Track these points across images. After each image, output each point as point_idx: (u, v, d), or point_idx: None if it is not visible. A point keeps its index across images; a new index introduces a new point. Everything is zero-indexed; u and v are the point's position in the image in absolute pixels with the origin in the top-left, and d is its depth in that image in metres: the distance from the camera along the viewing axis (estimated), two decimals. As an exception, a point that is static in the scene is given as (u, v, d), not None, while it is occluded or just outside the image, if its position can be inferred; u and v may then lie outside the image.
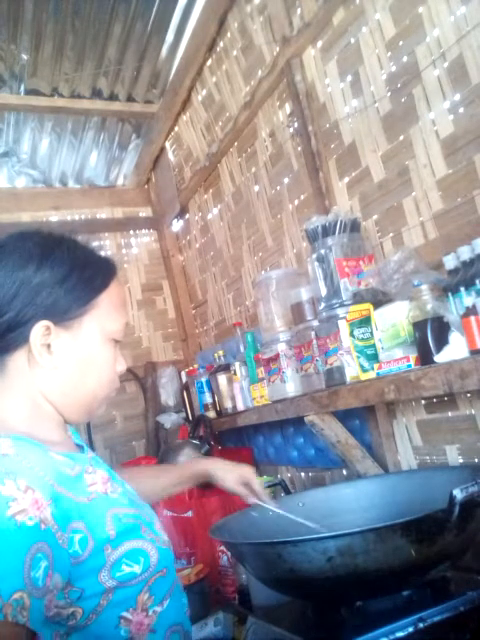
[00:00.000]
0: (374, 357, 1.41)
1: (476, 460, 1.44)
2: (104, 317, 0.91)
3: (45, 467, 0.79)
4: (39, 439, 0.84)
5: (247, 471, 1.33)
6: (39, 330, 0.85)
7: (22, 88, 2.56)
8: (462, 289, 1.18)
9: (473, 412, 1.43)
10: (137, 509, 0.91)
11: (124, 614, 0.82)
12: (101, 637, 0.81)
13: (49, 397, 0.89)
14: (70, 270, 0.89)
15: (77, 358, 0.89)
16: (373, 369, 1.37)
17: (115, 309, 0.94)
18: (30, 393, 0.88)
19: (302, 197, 2.04)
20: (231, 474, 1.32)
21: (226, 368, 2.21)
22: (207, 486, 1.44)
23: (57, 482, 0.78)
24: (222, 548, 1.80)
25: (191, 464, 1.39)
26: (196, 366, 2.51)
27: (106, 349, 0.92)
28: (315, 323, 1.62)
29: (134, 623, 0.83)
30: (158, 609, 0.86)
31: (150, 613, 0.85)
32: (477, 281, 1.16)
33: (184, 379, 2.68)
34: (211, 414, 2.31)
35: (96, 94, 2.70)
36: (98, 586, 0.79)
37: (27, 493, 0.72)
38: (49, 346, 0.87)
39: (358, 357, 1.42)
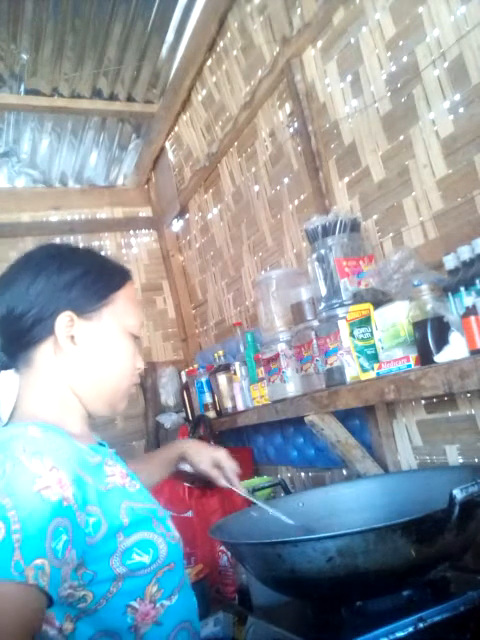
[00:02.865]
0: (374, 357, 1.41)
1: (476, 460, 1.44)
2: (121, 312, 1.00)
3: (69, 452, 0.84)
4: (64, 430, 0.90)
5: (220, 454, 1.33)
6: (63, 320, 0.93)
7: (22, 88, 2.56)
8: (462, 289, 1.18)
9: (473, 412, 1.43)
10: (153, 504, 0.97)
11: (131, 603, 0.86)
12: (108, 622, 0.84)
13: (75, 389, 0.96)
14: (89, 269, 0.98)
15: (99, 348, 0.97)
16: (373, 369, 1.37)
17: (131, 307, 1.02)
18: (57, 386, 0.95)
19: (302, 197, 2.04)
20: (204, 456, 1.33)
21: (226, 368, 2.21)
22: (182, 477, 1.44)
23: (79, 466, 0.84)
24: (222, 548, 1.80)
25: (169, 449, 1.40)
26: (196, 366, 2.51)
27: (125, 341, 1.00)
28: (315, 323, 1.62)
29: (140, 612, 0.86)
30: (166, 603, 0.89)
31: (157, 605, 0.88)
32: (477, 281, 1.16)
33: (184, 379, 2.68)
34: (211, 414, 2.31)
35: (96, 94, 2.70)
36: (109, 571, 0.83)
37: (52, 472, 0.77)
38: (73, 337, 0.95)
39: (358, 357, 1.42)
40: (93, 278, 0.97)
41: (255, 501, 1.32)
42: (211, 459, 1.32)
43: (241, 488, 1.32)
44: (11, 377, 0.98)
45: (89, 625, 0.83)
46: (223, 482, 1.31)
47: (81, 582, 0.81)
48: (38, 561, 0.70)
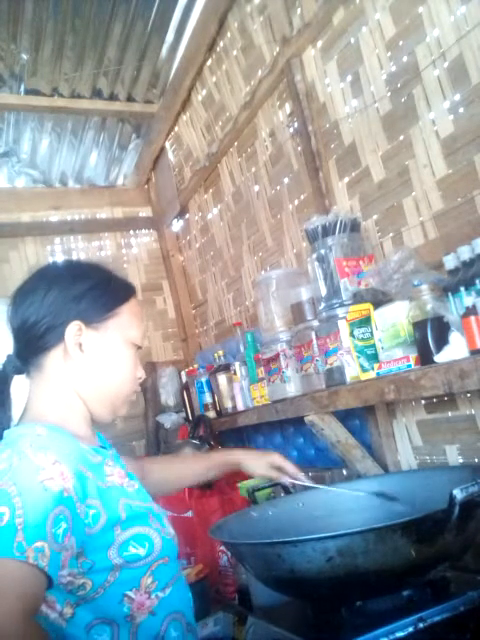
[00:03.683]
0: (374, 357, 1.41)
1: (476, 460, 1.44)
2: (126, 324, 1.07)
3: (71, 448, 0.92)
4: (69, 430, 0.98)
5: (275, 457, 1.41)
6: (72, 329, 1.02)
7: (22, 88, 2.56)
8: (462, 289, 1.18)
9: (473, 412, 1.43)
10: (150, 503, 1.03)
11: (128, 593, 0.92)
12: (106, 610, 0.91)
13: (80, 393, 1.04)
14: (98, 283, 1.07)
15: (104, 356, 1.05)
16: (373, 369, 1.37)
17: (135, 319, 1.10)
18: (64, 390, 1.03)
19: (302, 197, 2.04)
20: (260, 462, 1.41)
21: (226, 368, 2.21)
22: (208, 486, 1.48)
23: (81, 462, 0.91)
24: (222, 548, 1.80)
25: (221, 454, 1.48)
26: (196, 366, 2.51)
27: (128, 351, 1.08)
28: (315, 323, 1.62)
29: (136, 602, 0.93)
30: (160, 594, 0.96)
31: (152, 596, 0.94)
32: (477, 281, 1.16)
33: (184, 379, 2.68)
34: (211, 414, 2.31)
35: (96, 94, 2.71)
36: (107, 561, 0.90)
37: (55, 465, 0.85)
38: (81, 345, 1.03)
39: (358, 357, 1.42)
40: (101, 291, 1.06)
41: (321, 487, 1.41)
42: (267, 463, 1.40)
43: (307, 480, 1.40)
44: (22, 382, 1.07)
45: (88, 611, 0.90)
46: (286, 479, 1.39)
47: (80, 570, 0.88)
48: (39, 543, 0.77)
